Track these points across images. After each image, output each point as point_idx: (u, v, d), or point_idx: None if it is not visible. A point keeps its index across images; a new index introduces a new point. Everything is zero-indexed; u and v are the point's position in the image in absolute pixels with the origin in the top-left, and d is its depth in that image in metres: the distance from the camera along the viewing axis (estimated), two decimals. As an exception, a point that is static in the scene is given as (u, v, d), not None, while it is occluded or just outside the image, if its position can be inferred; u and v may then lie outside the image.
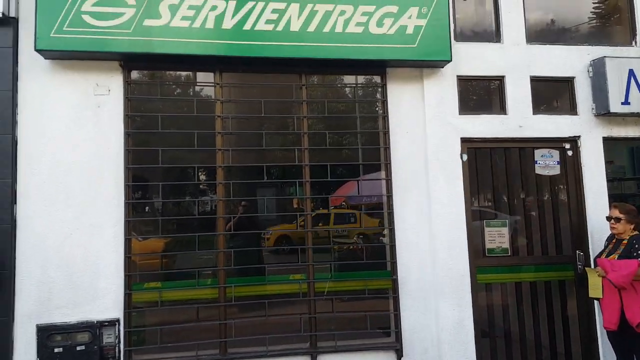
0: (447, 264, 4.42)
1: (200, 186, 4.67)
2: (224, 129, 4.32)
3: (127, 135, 4.15)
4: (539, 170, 4.73)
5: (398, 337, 4.33)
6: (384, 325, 4.46)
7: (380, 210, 4.58)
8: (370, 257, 4.56)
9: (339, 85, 4.84)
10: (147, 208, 4.53)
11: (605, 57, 4.62)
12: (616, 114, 4.65)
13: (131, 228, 4.14)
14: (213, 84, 4.33)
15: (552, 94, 4.89)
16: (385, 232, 4.51)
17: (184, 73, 4.50)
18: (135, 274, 4.13)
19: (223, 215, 4.27)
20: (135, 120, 4.30)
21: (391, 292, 4.42)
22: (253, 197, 4.57)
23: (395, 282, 4.39)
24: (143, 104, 4.34)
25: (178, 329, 4.17)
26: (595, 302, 4.39)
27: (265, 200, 4.54)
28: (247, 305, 4.35)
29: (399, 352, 4.29)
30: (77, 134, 4.09)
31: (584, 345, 4.60)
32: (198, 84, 4.46)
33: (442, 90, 4.58)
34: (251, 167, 4.53)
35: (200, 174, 4.60)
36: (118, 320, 3.98)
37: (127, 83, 4.18)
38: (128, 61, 4.16)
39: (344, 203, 4.85)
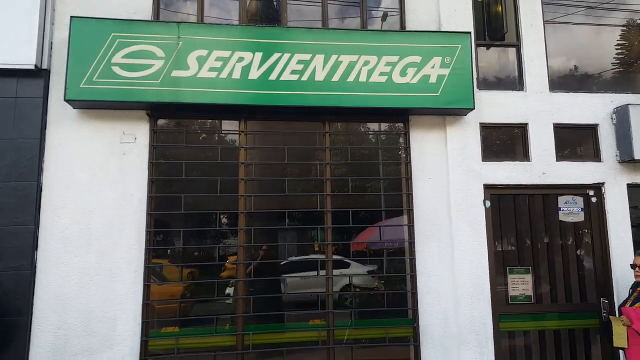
0: (469, 311, 4.36)
1: (222, 233, 4.66)
2: (247, 175, 4.33)
3: (151, 182, 4.16)
4: (562, 217, 4.68)
5: (420, 387, 4.25)
6: (406, 375, 4.38)
7: (402, 257, 4.54)
8: (391, 305, 4.51)
9: (362, 132, 4.85)
10: (168, 254, 4.53)
11: (629, 104, 4.61)
12: (640, 161, 4.63)
13: (150, 274, 4.13)
14: (238, 132, 4.36)
15: (575, 141, 4.87)
16: (407, 278, 4.47)
17: (209, 121, 4.54)
18: (153, 321, 4.10)
19: (243, 261, 4.24)
20: (160, 166, 4.32)
21: (412, 340, 4.35)
22: (274, 242, 4.54)
23: (416, 330, 4.32)
24: (168, 151, 4.37)
25: (196, 377, 4.12)
26: (621, 352, 4.30)
27: (287, 245, 4.52)
28: (266, 353, 4.29)
29: (421, 403, 4.22)
30: (101, 181, 4.11)
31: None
32: (223, 131, 4.50)
33: (464, 137, 4.58)
34: (273, 213, 4.51)
35: (222, 218, 4.59)
36: (135, 369, 3.94)
37: (153, 131, 4.22)
38: (155, 110, 4.20)
39: (365, 249, 4.81)
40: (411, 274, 4.42)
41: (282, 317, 4.45)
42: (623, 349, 4.11)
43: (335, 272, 4.41)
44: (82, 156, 4.12)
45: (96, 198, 4.09)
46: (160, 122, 4.34)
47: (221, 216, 4.46)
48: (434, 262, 4.42)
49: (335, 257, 4.43)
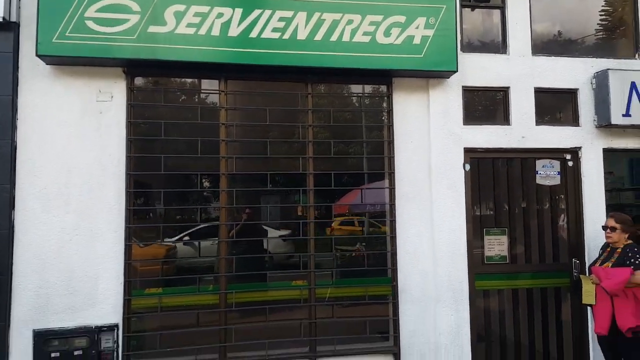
0: (446, 271, 4.49)
1: (204, 193, 4.64)
2: (228, 136, 4.28)
3: (130, 141, 4.09)
4: (539, 180, 4.78)
5: (396, 342, 4.41)
6: (383, 330, 4.53)
7: (383, 219, 4.61)
8: (374, 265, 4.62)
9: (345, 94, 4.81)
10: (149, 215, 4.51)
11: (608, 69, 4.64)
12: (617, 126, 4.69)
13: (132, 234, 4.13)
14: (218, 92, 4.28)
15: (555, 105, 4.92)
16: (387, 239, 4.56)
17: (188, 80, 4.44)
18: (135, 280, 4.13)
19: (226, 222, 4.26)
20: (138, 126, 4.23)
21: (391, 298, 4.49)
22: (257, 204, 4.55)
23: (395, 289, 4.45)
24: (146, 111, 4.27)
25: (178, 334, 4.19)
26: (588, 308, 4.51)
27: (269, 207, 4.54)
28: (248, 310, 4.38)
29: (397, 356, 4.38)
30: (78, 140, 4.03)
31: (575, 350, 4.74)
32: (203, 91, 4.41)
33: (447, 100, 4.58)
34: (255, 175, 4.51)
35: (203, 181, 4.57)
36: (117, 326, 3.98)
37: (130, 90, 4.11)
38: (132, 68, 4.07)
39: (347, 212, 4.87)
40: (391, 235, 4.50)
41: (265, 277, 4.52)
42: (591, 305, 4.31)
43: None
44: (57, 114, 4.01)
45: (73, 158, 4.01)
46: (138, 80, 4.22)
47: (202, 178, 4.44)
48: (413, 224, 4.51)
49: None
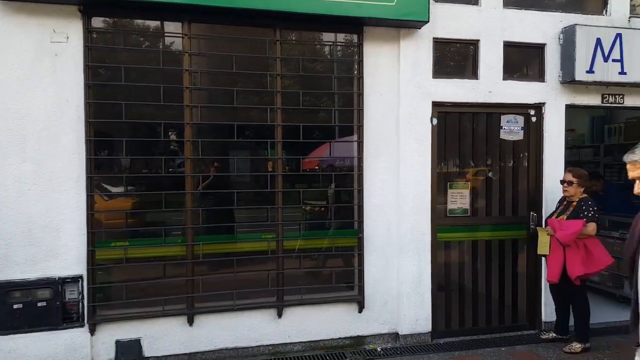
0: (410, 223, 4.61)
1: (169, 145, 4.52)
2: (192, 84, 4.13)
3: (88, 86, 3.90)
4: (503, 135, 4.88)
5: (361, 291, 4.56)
6: (349, 280, 4.66)
7: (352, 172, 4.63)
8: (340, 218, 4.68)
9: (315, 43, 4.68)
10: (112, 165, 4.37)
11: (576, 25, 4.68)
12: (580, 82, 4.79)
13: (94, 185, 4.01)
14: (181, 35, 4.08)
15: (523, 60, 4.96)
16: (354, 193, 4.60)
17: (150, 23, 4.19)
18: (99, 232, 4.06)
19: (191, 173, 4.19)
20: (97, 71, 4.03)
21: (357, 250, 4.59)
22: (224, 156, 4.48)
23: (361, 240, 4.54)
24: (105, 54, 4.06)
25: (145, 285, 4.19)
26: (542, 258, 4.75)
27: (237, 160, 4.47)
28: (216, 262, 4.41)
29: (361, 304, 4.54)
30: (32, 84, 3.80)
31: (529, 298, 5.02)
32: (165, 34, 4.18)
33: (417, 52, 4.54)
34: (221, 126, 4.40)
35: (169, 132, 4.43)
36: (81, 277, 3.94)
37: (88, 31, 3.87)
38: (87, 6, 3.82)
39: (317, 167, 4.86)
40: (358, 188, 4.55)
41: (233, 230, 4.52)
42: (545, 256, 4.55)
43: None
44: (7, 55, 3.74)
45: (28, 103, 3.79)
46: (95, 21, 3.97)
47: (166, 127, 4.30)
48: (380, 177, 4.56)
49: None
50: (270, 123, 4.31)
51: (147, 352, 4.10)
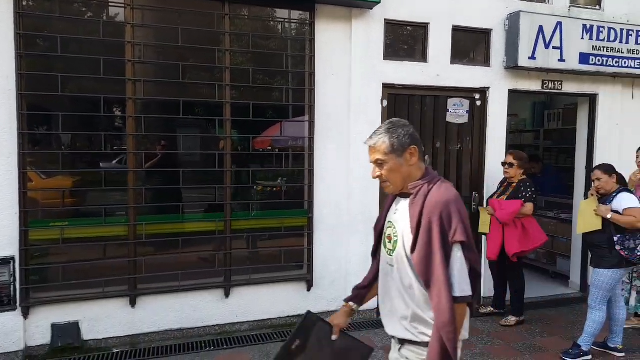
0: (360, 203, 4.66)
1: (112, 121, 4.31)
2: (135, 57, 3.94)
3: (20, 57, 3.63)
4: (449, 118, 5.00)
5: (310, 270, 4.60)
6: (299, 260, 4.69)
7: (303, 153, 4.61)
8: (291, 198, 4.67)
9: (265, 19, 4.57)
10: (49, 141, 4.12)
11: (521, 11, 4.82)
12: (523, 68, 4.96)
13: (27, 161, 3.78)
14: (123, 5, 3.86)
15: (470, 45, 5.07)
16: (305, 173, 4.59)
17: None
18: (35, 211, 3.85)
19: (134, 151, 4.02)
20: (30, 40, 3.75)
21: (306, 229, 4.60)
22: (171, 134, 4.33)
23: (310, 220, 4.56)
24: (40, 23, 3.80)
25: (84, 267, 4.04)
26: (483, 237, 4.95)
27: (185, 138, 4.34)
28: (161, 243, 4.29)
29: (310, 283, 4.59)
30: (-46, 51, 3.50)
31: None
32: (107, 3, 3.95)
33: (369, 32, 4.53)
34: (167, 102, 4.24)
35: (111, 106, 4.22)
36: (13, 258, 3.74)
37: (18, -4, 3.58)
38: (17, -31, 3.53)
39: (269, 147, 4.79)
40: (309, 168, 4.54)
41: (180, 209, 4.41)
42: (485, 234, 4.76)
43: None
44: None
45: (-50, 71, 3.50)
46: (27, -14, 3.70)
47: (107, 102, 4.08)
48: (331, 158, 4.57)
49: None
50: (218, 100, 4.20)
51: (86, 335, 3.97)
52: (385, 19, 4.58)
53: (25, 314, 3.79)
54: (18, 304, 3.76)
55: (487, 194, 5.05)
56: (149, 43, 4.05)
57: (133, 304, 4.06)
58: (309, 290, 4.59)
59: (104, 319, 4.00)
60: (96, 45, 3.91)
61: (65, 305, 3.90)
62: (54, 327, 3.87)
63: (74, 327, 3.91)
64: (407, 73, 4.71)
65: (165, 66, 4.17)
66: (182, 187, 4.29)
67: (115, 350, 3.99)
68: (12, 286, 3.76)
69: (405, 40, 4.91)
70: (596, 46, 5.10)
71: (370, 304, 4.67)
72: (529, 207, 4.50)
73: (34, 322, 3.84)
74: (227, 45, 4.17)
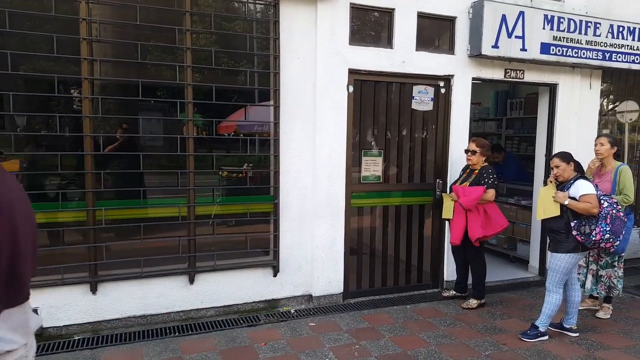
0: (326, 189, 4.67)
1: (67, 102, 4.15)
2: (90, 35, 3.80)
3: (-35, 32, 3.45)
4: (414, 105, 5.05)
5: (276, 255, 4.60)
6: (264, 246, 4.67)
7: (268, 138, 4.57)
8: (257, 183, 4.64)
9: (229, 0, 4.46)
10: (2, 124, 3.94)
11: (484, 0, 4.87)
12: (486, 57, 5.04)
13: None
14: (77, -20, 3.71)
15: (435, 32, 5.10)
16: (271, 158, 4.56)
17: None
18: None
19: (91, 134, 3.90)
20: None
21: (272, 215, 4.59)
22: (130, 116, 4.20)
23: (276, 206, 4.55)
24: (-15, -5, 3.59)
25: (42, 253, 3.90)
26: (446, 222, 5.06)
27: (146, 121, 4.22)
28: (122, 229, 4.20)
29: (276, 269, 4.59)
30: None
31: (433, 259, 5.36)
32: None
33: (335, 17, 4.50)
34: (126, 83, 4.11)
35: (67, 87, 4.06)
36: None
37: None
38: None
39: (234, 132, 4.72)
40: (275, 154, 4.51)
41: (141, 194, 4.31)
42: (449, 220, 4.85)
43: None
44: None
45: None
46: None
47: (61, 82, 3.93)
48: (296, 143, 4.55)
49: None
50: (179, 82, 4.10)
51: (46, 322, 3.86)
52: (350, 3, 4.55)
53: (-23, 302, 3.65)
54: (-32, 292, 3.61)
55: (450, 180, 5.14)
56: (104, 21, 3.90)
57: (94, 290, 3.98)
58: (275, 275, 4.59)
59: (63, 306, 3.91)
60: (49, 21, 3.74)
61: (21, 292, 3.77)
62: (10, 315, 3.74)
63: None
64: (372, 59, 4.71)
65: (123, 46, 4.04)
66: (143, 172, 4.18)
67: (76, 337, 3.90)
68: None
69: (371, 25, 4.90)
70: (557, 36, 5.22)
71: (335, 287, 4.75)
72: (490, 194, 4.61)
73: (-13, 311, 3.70)
74: (188, 25, 4.07)
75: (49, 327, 3.88)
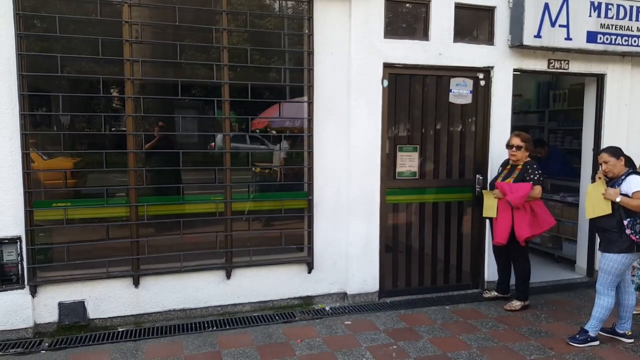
0: (360, 185, 4.64)
1: (111, 101, 4.33)
2: (132, 36, 3.94)
3: (20, 37, 3.66)
4: (452, 98, 4.92)
5: (310, 252, 4.60)
6: (298, 242, 4.69)
7: (302, 134, 4.59)
8: (290, 180, 4.66)
9: (263, -2, 4.53)
10: (50, 122, 4.17)
11: (525, -12, 4.69)
12: (528, 47, 4.85)
13: (29, 142, 3.82)
14: (119, -16, 3.87)
15: (473, 22, 4.96)
16: (304, 155, 4.57)
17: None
18: (39, 192, 3.90)
19: (134, 132, 4.05)
20: (30, 21, 3.78)
21: (306, 212, 4.60)
22: (169, 115, 4.34)
23: (310, 203, 4.55)
24: (38, 3, 3.80)
25: (89, 247, 4.10)
26: (487, 220, 4.89)
27: (184, 119, 4.34)
28: (162, 224, 4.33)
29: (310, 265, 4.59)
30: (-45, 32, 3.53)
31: (472, 258, 5.20)
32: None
33: (369, 10, 4.46)
34: (166, 83, 4.24)
35: (109, 87, 4.24)
36: (19, 238, 3.80)
37: (15, -25, 3.60)
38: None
39: (267, 128, 4.78)
40: (308, 150, 4.52)
41: (180, 191, 4.43)
42: (491, 218, 4.67)
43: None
44: None
45: (-48, 53, 3.54)
46: (25, -35, 3.70)
47: (106, 82, 4.10)
48: (330, 139, 4.54)
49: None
50: (216, 81, 4.19)
51: (92, 314, 4.04)
52: (385, -4, 4.51)
53: (33, 293, 3.87)
54: (26, 283, 3.84)
55: (489, 176, 4.97)
56: (145, 22, 4.04)
57: (136, 284, 4.12)
58: (309, 272, 4.60)
59: (108, 298, 4.07)
60: (94, 25, 3.92)
61: (71, 284, 3.97)
62: (61, 305, 3.94)
63: (80, 306, 3.98)
64: (408, 52, 4.63)
65: (163, 46, 4.17)
66: (181, 169, 4.31)
67: (120, 329, 4.05)
68: (19, 265, 3.83)
69: (406, 17, 4.83)
70: (604, 24, 4.96)
71: (371, 285, 4.70)
72: (537, 190, 4.41)
73: (41, 301, 3.92)
74: (225, 25, 4.15)
75: (95, 319, 4.05)
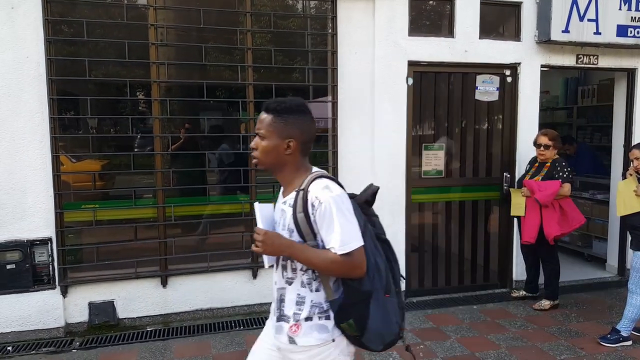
0: (385, 184, 4.56)
1: (137, 104, 4.38)
2: (158, 39, 3.98)
3: (48, 42, 3.72)
4: (478, 96, 4.84)
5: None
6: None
7: (326, 134, 4.57)
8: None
9: (286, -2, 4.53)
10: (77, 125, 4.24)
11: (553, -18, 4.59)
12: (556, 42, 4.74)
13: (59, 145, 3.89)
14: (145, -12, 3.91)
15: (499, 19, 4.88)
16: (329, 154, 4.56)
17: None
18: (68, 193, 3.98)
19: (160, 134, 4.08)
20: (59, 26, 3.84)
21: (330, 211, 4.56)
22: (194, 116, 4.37)
23: (334, 202, 4.52)
24: (66, 9, 3.87)
25: (117, 248, 4.15)
26: (515, 219, 4.80)
27: (207, 120, 4.37)
28: (189, 224, 4.36)
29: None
30: (-13, 39, 3.61)
31: (500, 257, 5.12)
32: (128, -14, 4.00)
33: (393, 8, 4.42)
34: (191, 85, 4.27)
35: (135, 89, 4.29)
36: (50, 239, 3.87)
37: (45, -19, 3.66)
38: (44, -45, 3.60)
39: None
40: (333, 150, 4.50)
41: (206, 192, 4.46)
42: (519, 217, 4.59)
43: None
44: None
45: (-17, 57, 3.62)
46: (54, -29, 3.77)
47: (132, 85, 4.16)
48: (355, 139, 4.50)
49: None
50: (241, 82, 4.20)
51: (121, 314, 4.09)
52: (409, -7, 4.46)
53: (64, 293, 3.94)
54: (57, 283, 3.91)
55: (517, 174, 4.89)
56: (171, 25, 4.08)
57: (164, 284, 4.16)
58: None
59: (137, 298, 4.12)
60: (120, 29, 3.97)
61: (101, 285, 4.03)
62: (91, 305, 4.01)
63: (110, 305, 4.04)
64: (433, 49, 4.58)
65: (188, 48, 4.20)
66: (207, 170, 4.33)
67: (149, 329, 4.10)
68: (50, 266, 3.90)
69: (430, 15, 4.77)
70: (635, 17, 4.82)
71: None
72: (567, 188, 4.32)
73: (72, 301, 3.99)
74: (249, 26, 4.16)
75: (124, 318, 4.10)
